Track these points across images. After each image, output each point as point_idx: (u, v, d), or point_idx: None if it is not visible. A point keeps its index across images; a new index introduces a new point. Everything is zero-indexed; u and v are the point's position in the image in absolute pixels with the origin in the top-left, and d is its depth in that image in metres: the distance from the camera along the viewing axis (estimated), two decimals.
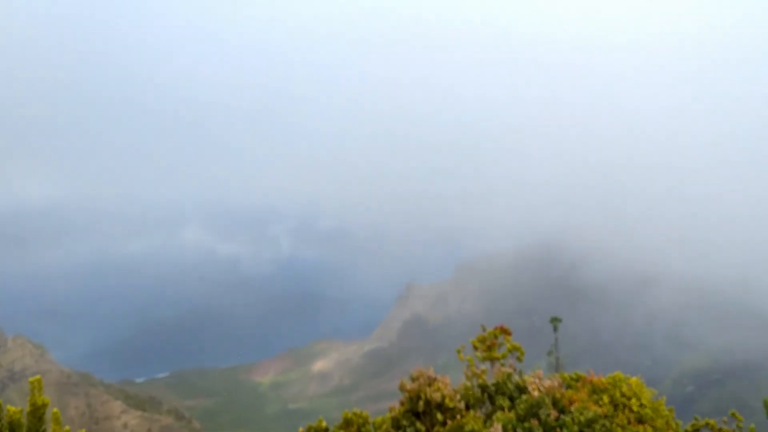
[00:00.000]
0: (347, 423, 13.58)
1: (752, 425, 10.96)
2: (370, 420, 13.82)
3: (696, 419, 14.46)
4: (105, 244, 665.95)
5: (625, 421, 11.39)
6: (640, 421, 11.61)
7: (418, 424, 12.12)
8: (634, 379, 12.27)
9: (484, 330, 13.64)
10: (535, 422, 10.86)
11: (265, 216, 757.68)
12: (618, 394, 11.91)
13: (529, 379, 12.19)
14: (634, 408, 11.76)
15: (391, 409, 12.79)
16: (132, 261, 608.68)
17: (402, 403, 12.70)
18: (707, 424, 14.47)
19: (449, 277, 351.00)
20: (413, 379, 12.54)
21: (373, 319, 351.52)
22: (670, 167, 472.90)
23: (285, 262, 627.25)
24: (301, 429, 13.28)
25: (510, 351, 13.45)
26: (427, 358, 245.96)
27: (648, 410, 11.77)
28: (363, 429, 13.19)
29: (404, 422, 12.35)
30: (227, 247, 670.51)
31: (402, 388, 12.51)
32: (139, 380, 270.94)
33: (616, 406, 11.80)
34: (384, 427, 12.88)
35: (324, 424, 13.59)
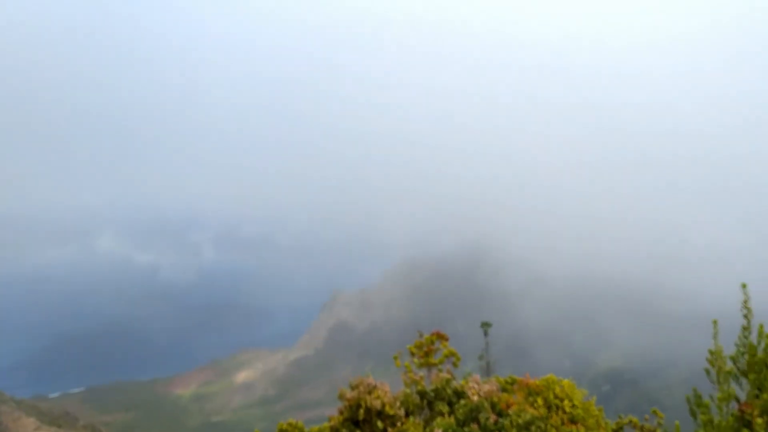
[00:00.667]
0: None
1: (677, 421, 11.54)
2: (306, 430, 13.67)
3: (620, 417, 15.08)
4: (13, 253, 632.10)
5: (559, 422, 11.73)
6: (573, 421, 11.99)
7: None
8: (566, 381, 12.66)
9: (421, 336, 13.73)
10: (474, 426, 11.03)
11: (185, 223, 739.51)
12: (552, 396, 12.25)
13: (467, 383, 12.36)
14: (567, 409, 12.12)
15: (330, 419, 12.70)
16: (43, 271, 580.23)
17: (341, 412, 12.62)
18: (630, 422, 15.11)
19: (376, 283, 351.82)
20: (353, 388, 12.48)
21: (299, 327, 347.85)
22: (593, 169, 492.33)
23: (206, 270, 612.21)
24: None
25: (446, 356, 13.60)
26: (354, 365, 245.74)
27: (580, 411, 12.16)
28: None
29: (344, 431, 12.29)
30: (145, 255, 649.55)
31: (341, 397, 12.43)
32: (52, 395, 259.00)
33: (549, 408, 12.14)
34: None
35: None
